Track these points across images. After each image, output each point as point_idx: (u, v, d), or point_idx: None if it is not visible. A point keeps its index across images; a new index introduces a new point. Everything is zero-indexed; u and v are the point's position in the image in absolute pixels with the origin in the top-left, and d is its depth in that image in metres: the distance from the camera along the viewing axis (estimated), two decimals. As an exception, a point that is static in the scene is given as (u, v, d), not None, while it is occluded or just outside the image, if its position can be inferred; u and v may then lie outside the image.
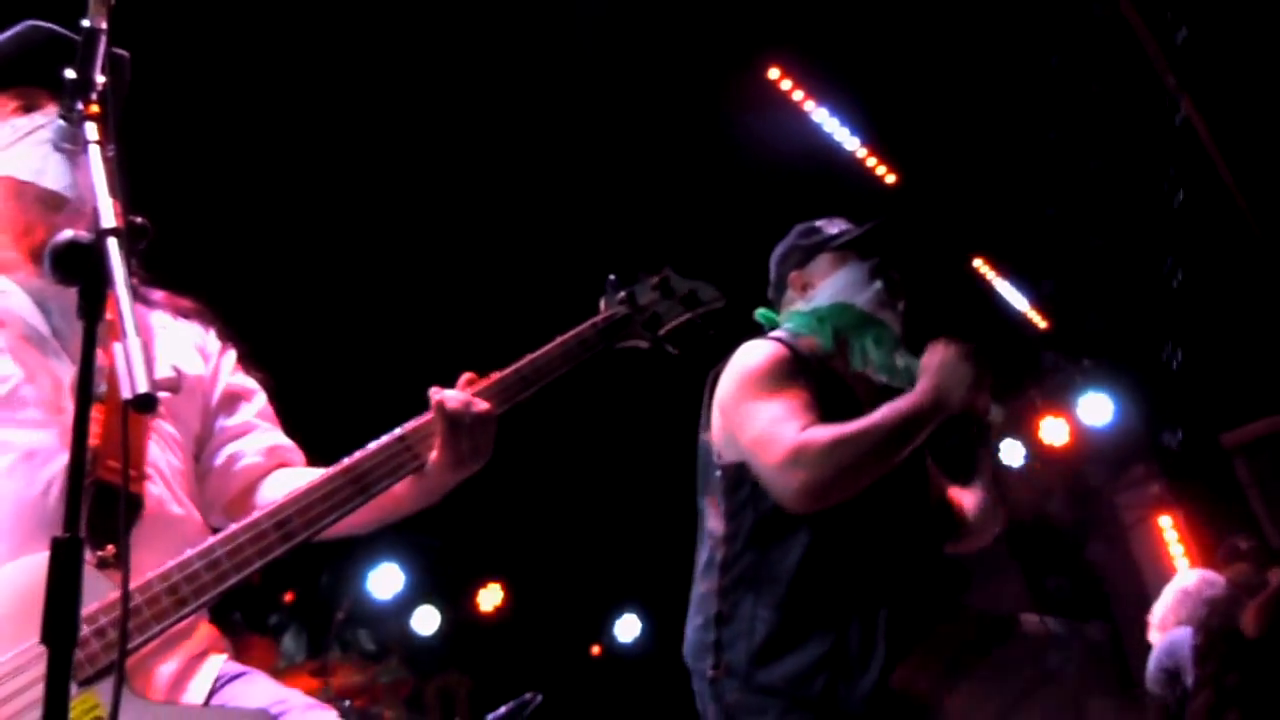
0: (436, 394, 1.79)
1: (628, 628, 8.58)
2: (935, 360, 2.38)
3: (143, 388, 1.09)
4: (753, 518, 2.44)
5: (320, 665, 5.39)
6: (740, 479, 2.46)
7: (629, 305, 2.07)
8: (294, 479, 1.88)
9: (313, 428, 2.05)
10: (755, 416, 2.39)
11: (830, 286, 2.67)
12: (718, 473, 2.53)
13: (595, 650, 8.71)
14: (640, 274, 2.12)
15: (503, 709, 6.00)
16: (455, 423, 1.76)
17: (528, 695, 6.01)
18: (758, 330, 2.75)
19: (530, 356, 1.93)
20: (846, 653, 2.30)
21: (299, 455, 2.00)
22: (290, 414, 2.04)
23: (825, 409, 2.40)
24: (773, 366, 2.47)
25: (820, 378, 2.51)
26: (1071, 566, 8.02)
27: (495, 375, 1.88)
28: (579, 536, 7.25)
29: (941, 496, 2.74)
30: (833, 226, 2.77)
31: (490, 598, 7.99)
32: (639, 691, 7.77)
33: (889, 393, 2.47)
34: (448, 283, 5.29)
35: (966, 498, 2.72)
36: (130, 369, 1.10)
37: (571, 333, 2.01)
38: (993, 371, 2.37)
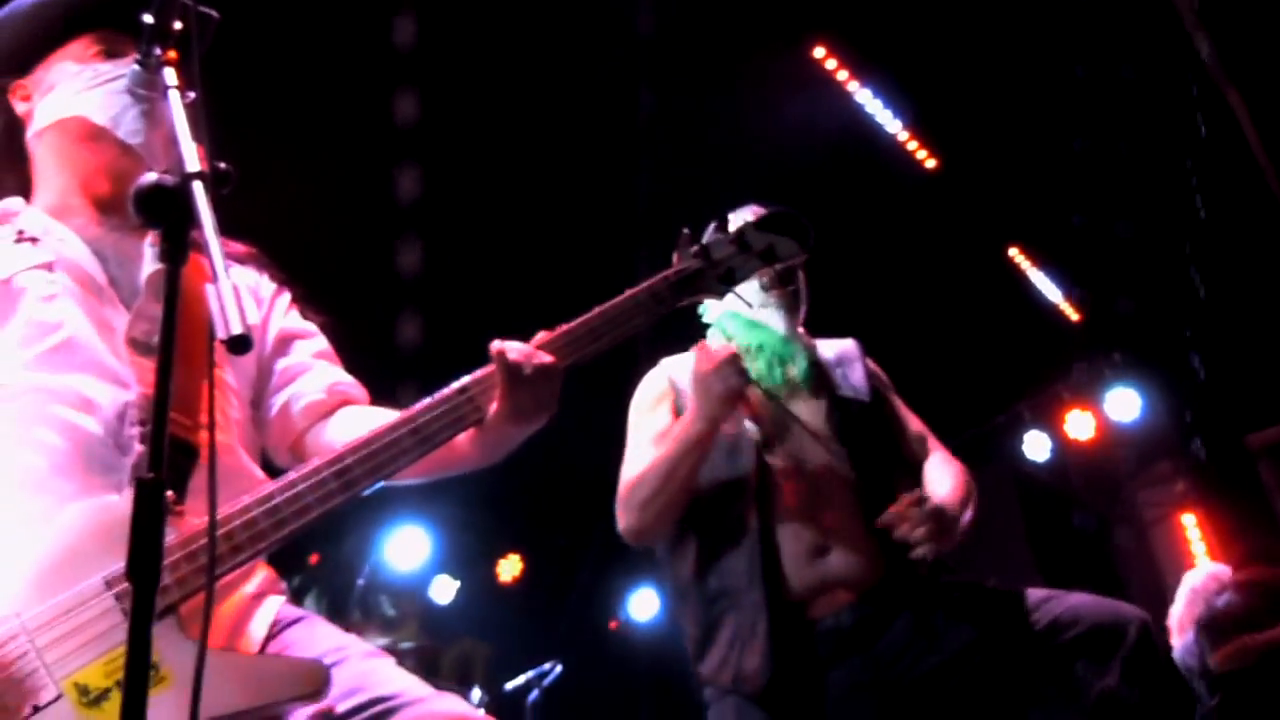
0: (497, 345, 1.76)
1: (644, 604, 8.60)
2: (693, 377, 2.52)
3: (237, 329, 1.09)
4: (665, 541, 2.67)
5: (343, 630, 5.41)
6: None
7: (703, 259, 2.01)
8: (359, 417, 1.87)
9: (380, 378, 2.03)
10: (627, 453, 2.67)
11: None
12: None
13: (612, 625, 8.73)
14: (715, 226, 2.06)
15: (521, 678, 6.06)
16: (515, 375, 1.73)
17: (547, 665, 6.07)
18: None
19: (599, 308, 1.89)
20: (741, 632, 2.47)
21: (361, 391, 1.98)
22: (360, 363, 2.01)
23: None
24: (644, 401, 2.74)
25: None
26: (1091, 564, 7.99)
27: (562, 327, 1.85)
28: (598, 510, 7.26)
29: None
30: (741, 216, 2.80)
31: (509, 568, 8.02)
32: (653, 666, 7.81)
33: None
34: (526, 239, 5.30)
35: None
36: (224, 310, 1.10)
37: (642, 285, 1.95)
38: (738, 375, 2.46)
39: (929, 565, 2.48)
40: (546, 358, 1.76)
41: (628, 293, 1.93)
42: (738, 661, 2.45)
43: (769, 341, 2.74)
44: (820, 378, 2.76)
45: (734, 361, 2.46)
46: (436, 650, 6.88)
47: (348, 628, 5.90)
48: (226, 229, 1.95)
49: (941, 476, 2.72)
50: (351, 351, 2.02)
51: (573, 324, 1.85)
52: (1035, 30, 5.31)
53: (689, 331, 2.78)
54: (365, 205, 4.98)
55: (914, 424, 2.87)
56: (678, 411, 2.67)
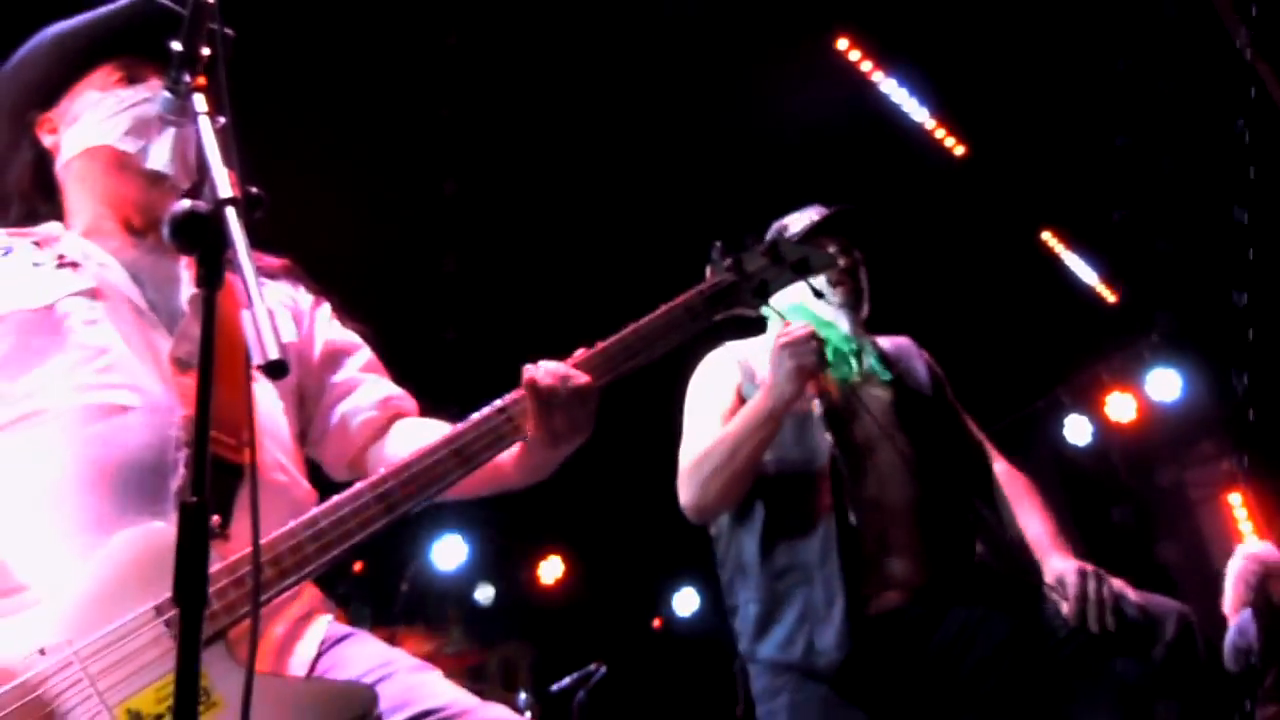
0: (529, 372, 1.76)
1: (686, 601, 8.60)
2: (772, 351, 2.50)
3: (274, 354, 1.10)
4: (727, 517, 2.66)
5: (389, 635, 5.46)
6: None
7: (736, 272, 2.00)
8: (414, 430, 1.89)
9: (427, 391, 2.04)
10: (683, 437, 2.67)
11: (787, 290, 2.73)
12: None
13: (656, 623, 8.75)
14: (748, 239, 2.05)
15: (567, 680, 6.08)
16: (548, 400, 1.73)
17: (592, 666, 6.08)
18: None
19: (634, 325, 1.88)
20: (815, 607, 2.44)
21: (411, 403, 1.99)
22: (406, 374, 2.03)
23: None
24: (707, 381, 2.73)
25: (755, 372, 2.67)
26: (1137, 548, 7.91)
27: (598, 345, 1.84)
28: (638, 509, 7.27)
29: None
30: (796, 223, 2.82)
31: (551, 570, 8.04)
32: (698, 664, 7.80)
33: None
34: (560, 253, 5.33)
35: None
36: (260, 334, 1.11)
37: (677, 300, 1.94)
38: (814, 354, 2.45)
39: (974, 563, 2.47)
40: (582, 378, 1.76)
41: (662, 308, 1.92)
42: (808, 638, 2.43)
43: (833, 336, 2.73)
44: (889, 369, 2.76)
45: (813, 339, 2.45)
46: (481, 655, 6.91)
47: (392, 634, 5.94)
48: (261, 243, 1.98)
49: (1029, 509, 2.68)
50: (391, 363, 2.02)
51: (608, 342, 1.85)
52: (1050, 10, 5.24)
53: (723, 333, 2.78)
54: (401, 216, 5.01)
55: (971, 425, 2.86)
56: (741, 394, 2.66)
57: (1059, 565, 2.44)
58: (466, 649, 6.76)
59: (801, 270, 2.06)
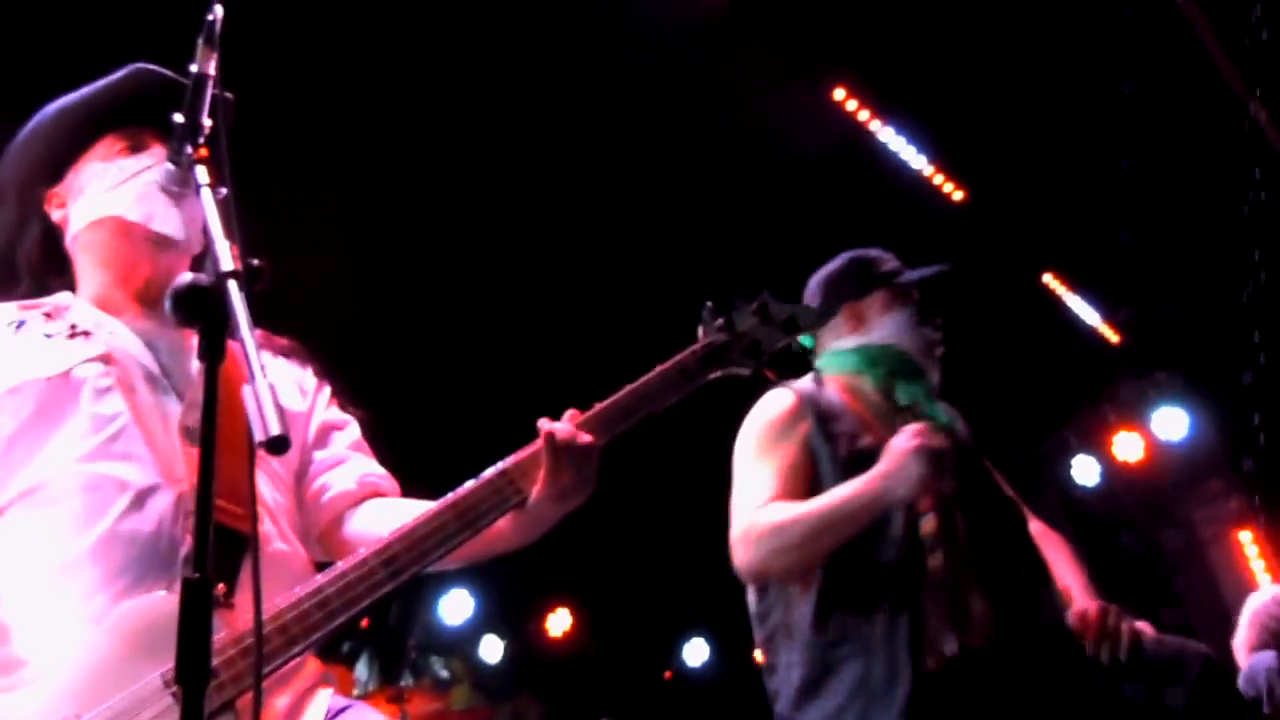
0: (546, 425, 1.78)
1: (696, 651, 8.52)
2: (894, 449, 2.34)
3: (275, 430, 1.10)
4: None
5: (396, 693, 5.43)
6: None
7: (728, 332, 2.02)
8: (387, 509, 1.89)
9: (413, 462, 2.06)
10: (737, 483, 2.52)
11: (885, 325, 2.68)
12: None
13: (667, 675, 8.66)
14: (737, 300, 2.07)
15: (578, 734, 6.03)
16: (561, 456, 1.75)
17: (602, 720, 6.03)
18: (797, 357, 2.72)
19: (631, 387, 1.90)
20: (872, 683, 2.34)
21: (392, 484, 2.00)
22: (392, 451, 2.04)
23: (822, 462, 2.49)
24: (769, 426, 2.55)
25: (830, 419, 2.54)
26: (1148, 588, 7.84)
27: (597, 406, 1.86)
28: (647, 560, 7.23)
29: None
30: (886, 261, 2.77)
31: (559, 622, 7.99)
32: (710, 715, 7.72)
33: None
34: (544, 318, 5.35)
35: None
36: (262, 411, 1.11)
37: (671, 361, 1.97)
38: (944, 471, 2.33)
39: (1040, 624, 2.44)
40: (588, 437, 1.78)
41: (657, 369, 1.94)
42: (862, 713, 2.34)
43: (925, 389, 2.63)
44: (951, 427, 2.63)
45: (946, 450, 2.33)
46: (490, 711, 6.85)
47: (399, 692, 5.88)
48: (268, 320, 2.00)
49: (1066, 567, 2.65)
50: (384, 443, 2.04)
51: (606, 404, 1.87)
52: (1046, 56, 5.30)
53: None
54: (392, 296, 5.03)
55: (1004, 482, 2.77)
56: (809, 445, 2.52)
57: (1082, 603, 2.43)
58: (474, 705, 6.71)
59: (790, 329, 2.07)
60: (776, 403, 2.60)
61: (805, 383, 2.65)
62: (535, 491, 1.76)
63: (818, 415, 2.56)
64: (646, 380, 1.92)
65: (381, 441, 2.04)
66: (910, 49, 5.05)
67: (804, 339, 2.74)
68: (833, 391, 2.63)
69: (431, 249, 4.96)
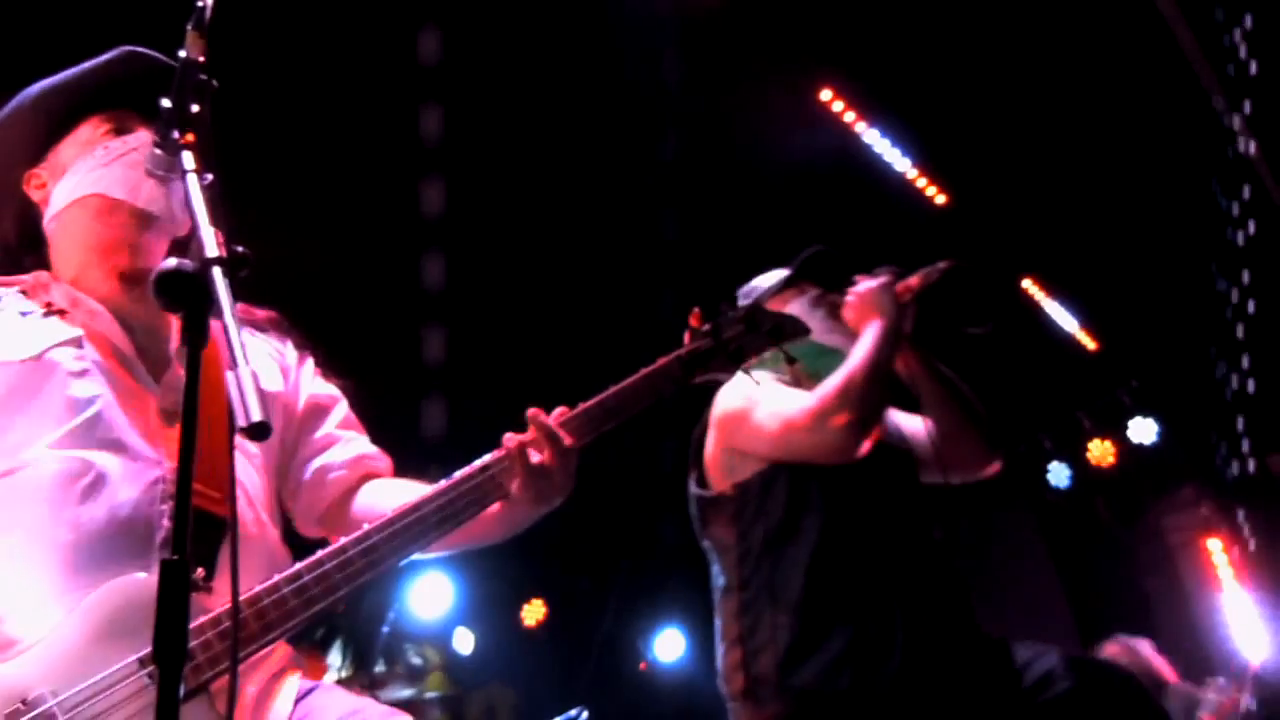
0: (516, 439, 1.80)
1: (670, 643, 8.55)
2: (861, 301, 2.72)
3: (257, 416, 1.11)
4: (763, 531, 2.66)
5: (369, 679, 5.42)
6: (746, 498, 2.69)
7: (712, 338, 2.06)
8: (385, 491, 1.92)
9: (402, 444, 2.07)
10: (771, 410, 2.67)
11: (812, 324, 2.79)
12: (721, 501, 2.73)
13: (641, 666, 8.69)
14: (724, 306, 2.11)
15: (549, 726, 6.03)
16: (536, 467, 1.78)
17: (574, 711, 6.02)
18: None
19: (613, 389, 1.93)
20: (868, 643, 2.46)
21: (385, 462, 2.02)
22: (372, 422, 2.04)
23: None
24: (741, 389, 2.69)
25: None
26: (1118, 592, 7.93)
27: (580, 406, 1.89)
28: (622, 551, 7.25)
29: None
30: (770, 278, 2.95)
31: (533, 613, 8.00)
32: (684, 706, 7.75)
33: None
34: (542, 305, 5.35)
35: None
36: (244, 397, 1.12)
37: (656, 365, 2.00)
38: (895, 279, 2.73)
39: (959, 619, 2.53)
40: (565, 439, 1.81)
41: (641, 372, 1.97)
42: (867, 666, 2.44)
43: (798, 352, 2.75)
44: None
45: (900, 277, 2.71)
46: (462, 699, 6.85)
47: (373, 679, 5.87)
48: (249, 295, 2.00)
49: None
50: (373, 422, 2.05)
51: (589, 404, 1.89)
52: (1032, 60, 5.32)
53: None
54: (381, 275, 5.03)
55: None
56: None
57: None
58: (449, 693, 6.70)
59: (776, 336, 2.12)
60: (740, 380, 2.70)
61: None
62: (515, 489, 1.78)
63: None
64: (628, 383, 1.95)
65: (363, 413, 2.05)
66: (899, 53, 5.07)
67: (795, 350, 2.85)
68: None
69: (420, 239, 4.94)
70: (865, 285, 2.74)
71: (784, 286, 2.91)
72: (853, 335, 2.79)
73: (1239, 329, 6.54)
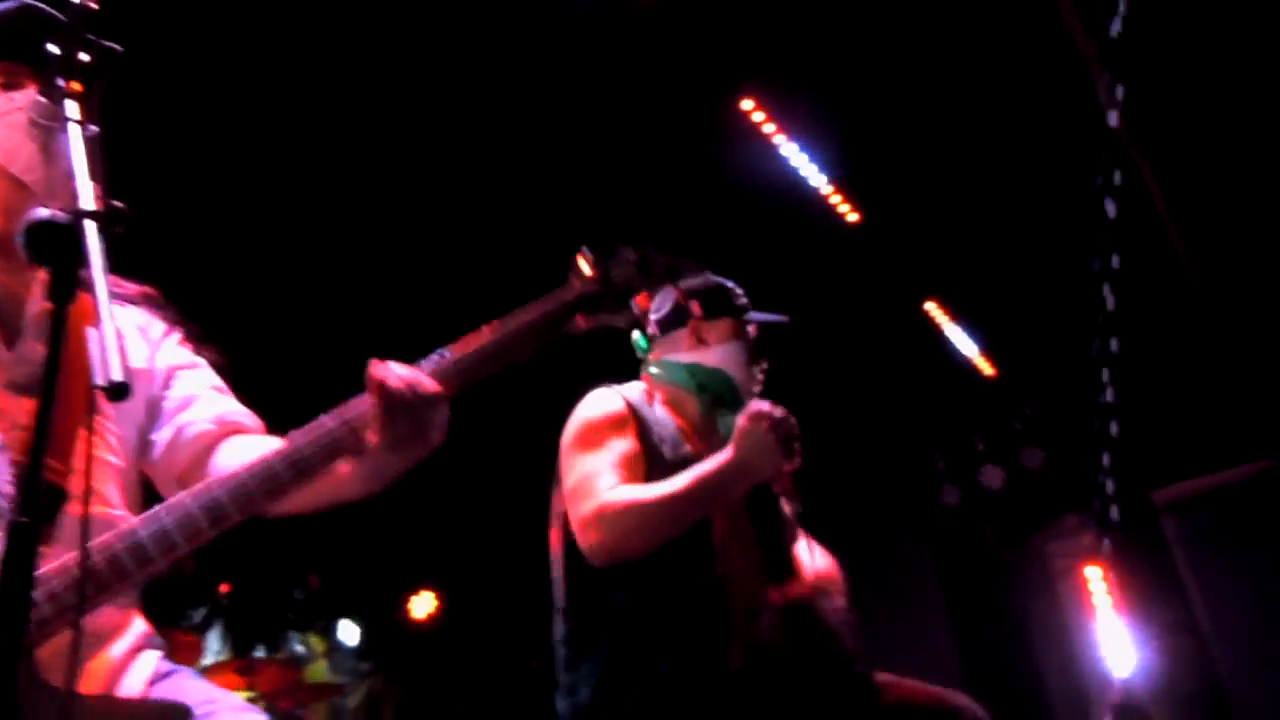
0: (377, 372, 1.64)
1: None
2: (744, 426, 2.43)
3: (117, 375, 1.07)
4: (581, 565, 2.51)
5: (246, 664, 5.30)
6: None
7: (600, 282, 1.91)
8: (248, 445, 1.81)
9: (278, 406, 1.98)
10: (577, 468, 2.53)
11: (722, 352, 2.79)
12: (559, 520, 2.63)
13: (533, 664, 8.63)
14: (618, 246, 1.96)
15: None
16: (394, 402, 1.63)
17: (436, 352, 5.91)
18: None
19: (489, 334, 1.78)
20: (678, 681, 2.40)
21: (255, 421, 1.92)
22: (254, 393, 1.97)
23: (651, 462, 2.56)
24: (605, 419, 2.60)
25: (653, 428, 2.64)
26: (999, 611, 8.14)
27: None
28: (516, 544, 7.18)
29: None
30: (739, 296, 2.91)
31: (423, 605, 7.89)
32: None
33: None
34: (411, 259, 5.26)
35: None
36: (105, 354, 1.08)
37: (536, 307, 1.85)
38: (796, 442, 2.43)
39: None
40: (432, 385, 1.68)
41: (520, 317, 1.83)
42: (667, 709, 2.39)
43: (714, 383, 2.74)
44: None
45: (793, 424, 2.42)
46: (344, 690, 6.75)
47: (250, 664, 5.71)
48: (136, 269, 1.92)
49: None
50: (250, 388, 1.98)
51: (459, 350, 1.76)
52: (955, 80, 5.41)
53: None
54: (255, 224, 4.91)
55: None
56: (641, 439, 2.59)
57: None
58: (329, 683, 6.59)
59: (672, 277, 2.01)
60: (606, 402, 2.66)
61: (633, 389, 2.74)
62: (371, 440, 1.66)
63: (641, 423, 2.63)
64: (507, 328, 1.80)
65: (244, 387, 1.96)
66: (824, 68, 5.11)
67: (640, 340, 2.87)
68: (659, 403, 2.74)
69: (294, 180, 4.81)
70: (760, 416, 2.43)
71: (736, 317, 2.85)
72: (746, 361, 2.79)
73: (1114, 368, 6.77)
